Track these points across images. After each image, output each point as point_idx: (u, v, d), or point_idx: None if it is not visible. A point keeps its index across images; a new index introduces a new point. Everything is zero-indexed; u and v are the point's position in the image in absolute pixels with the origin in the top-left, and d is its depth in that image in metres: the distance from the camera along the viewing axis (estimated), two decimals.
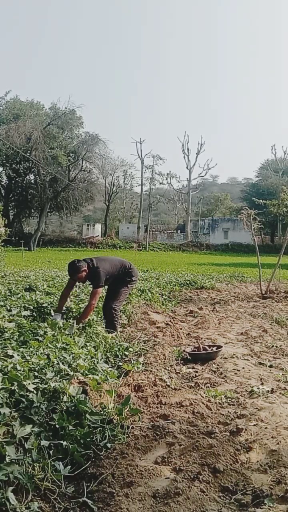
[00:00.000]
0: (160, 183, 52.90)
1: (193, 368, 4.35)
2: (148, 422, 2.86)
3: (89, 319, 4.83)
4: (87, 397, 2.82)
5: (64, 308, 5.09)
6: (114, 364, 4.04)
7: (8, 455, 2.08)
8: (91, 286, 5.12)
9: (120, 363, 4.07)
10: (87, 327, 4.68)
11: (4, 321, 4.29)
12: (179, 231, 52.03)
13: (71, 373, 3.06)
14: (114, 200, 54.73)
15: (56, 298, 5.87)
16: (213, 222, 50.44)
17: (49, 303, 5.42)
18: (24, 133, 36.21)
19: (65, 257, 24.79)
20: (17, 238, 36.77)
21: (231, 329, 6.40)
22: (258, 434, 2.75)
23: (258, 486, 2.19)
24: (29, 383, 2.63)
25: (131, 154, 64.24)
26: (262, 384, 3.81)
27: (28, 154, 35.79)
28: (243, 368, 4.36)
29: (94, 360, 3.61)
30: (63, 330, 4.23)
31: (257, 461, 2.44)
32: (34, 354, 3.31)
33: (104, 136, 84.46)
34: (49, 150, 37.94)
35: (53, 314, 4.91)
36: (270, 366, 4.46)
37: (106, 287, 5.42)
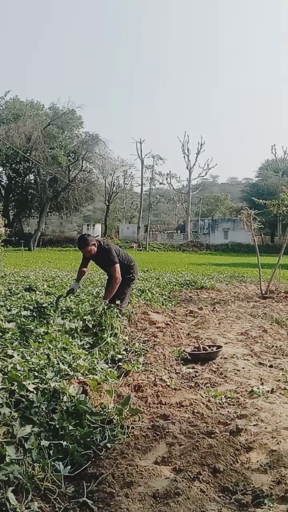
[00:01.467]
0: (160, 183, 52.96)
1: (193, 368, 4.34)
2: (148, 422, 2.86)
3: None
4: (87, 397, 2.82)
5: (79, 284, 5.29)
6: (114, 364, 4.04)
7: (8, 455, 2.08)
8: (104, 267, 5.21)
9: (120, 363, 4.07)
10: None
11: (4, 322, 4.29)
12: (179, 231, 52.01)
13: (71, 373, 3.06)
14: (114, 200, 54.68)
15: (56, 299, 5.88)
16: (213, 222, 50.46)
17: (49, 303, 5.42)
18: (24, 133, 36.18)
19: (65, 257, 24.80)
20: (17, 238, 36.74)
21: (231, 329, 6.40)
22: (258, 434, 2.75)
23: (258, 486, 2.19)
24: (29, 383, 2.62)
25: (131, 154, 64.27)
26: (262, 384, 3.80)
27: (28, 154, 35.77)
28: (243, 368, 4.36)
29: (94, 361, 3.61)
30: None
31: (257, 461, 2.44)
32: (34, 354, 3.31)
33: (104, 136, 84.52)
34: (49, 150, 37.92)
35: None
36: (270, 366, 4.46)
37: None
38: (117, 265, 5.00)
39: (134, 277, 5.42)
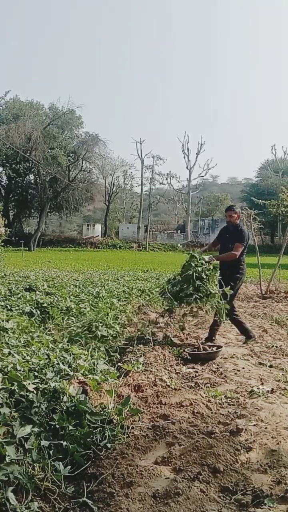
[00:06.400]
0: (160, 183, 52.87)
1: (193, 368, 4.34)
2: (148, 422, 2.86)
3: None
4: (87, 397, 2.81)
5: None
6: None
7: (8, 455, 2.08)
8: (229, 243, 5.51)
9: (119, 364, 4.06)
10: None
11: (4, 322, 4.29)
12: (179, 231, 52.00)
13: (71, 373, 3.06)
14: (114, 200, 54.63)
15: (56, 299, 5.90)
16: (213, 222, 50.46)
17: (49, 303, 5.42)
18: (24, 133, 36.17)
19: (65, 257, 24.80)
20: (17, 238, 36.75)
21: (231, 329, 6.40)
22: (258, 434, 2.75)
23: (258, 486, 2.19)
24: (29, 383, 2.63)
25: (131, 154, 64.22)
26: (262, 384, 3.81)
27: (28, 154, 35.76)
28: (243, 368, 4.36)
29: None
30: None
31: (257, 461, 2.44)
32: (34, 354, 3.31)
33: (104, 136, 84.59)
34: (49, 150, 37.91)
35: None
36: (270, 366, 4.46)
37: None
38: (242, 248, 5.41)
39: (241, 277, 5.63)
